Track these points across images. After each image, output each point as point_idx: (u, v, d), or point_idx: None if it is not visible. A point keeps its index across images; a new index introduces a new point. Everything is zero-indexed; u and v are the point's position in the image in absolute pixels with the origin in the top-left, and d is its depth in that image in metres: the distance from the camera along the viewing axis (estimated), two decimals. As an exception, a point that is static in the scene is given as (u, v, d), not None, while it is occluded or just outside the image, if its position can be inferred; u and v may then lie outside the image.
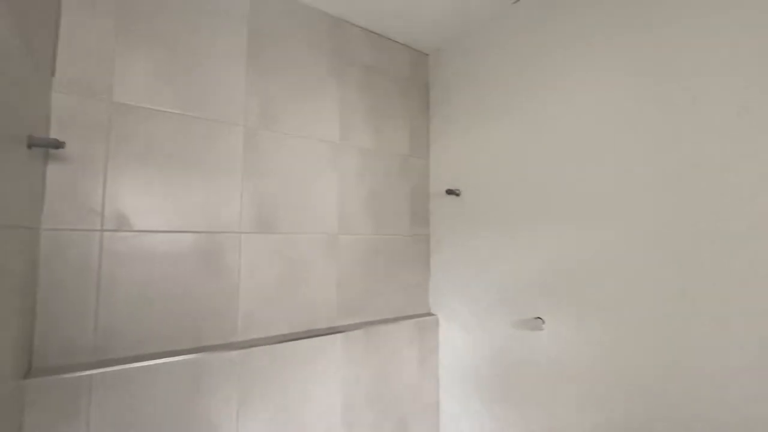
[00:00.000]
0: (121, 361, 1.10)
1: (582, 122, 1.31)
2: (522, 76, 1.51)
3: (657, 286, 1.10)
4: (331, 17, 1.66)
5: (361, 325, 1.63)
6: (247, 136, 1.40)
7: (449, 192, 1.77)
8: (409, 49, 1.94)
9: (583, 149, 1.31)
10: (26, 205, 0.93)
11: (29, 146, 0.88)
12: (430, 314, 1.88)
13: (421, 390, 1.77)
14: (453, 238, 1.80)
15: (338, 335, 1.52)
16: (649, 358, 1.11)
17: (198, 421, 1.19)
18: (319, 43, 1.62)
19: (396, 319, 1.75)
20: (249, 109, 1.41)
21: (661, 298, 1.09)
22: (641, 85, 1.17)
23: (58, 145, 0.95)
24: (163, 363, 1.15)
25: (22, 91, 0.85)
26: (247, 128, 1.40)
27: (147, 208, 1.20)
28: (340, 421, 1.49)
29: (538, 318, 1.39)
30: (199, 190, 1.29)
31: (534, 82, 1.47)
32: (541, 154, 1.43)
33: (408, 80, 1.92)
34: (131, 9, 1.20)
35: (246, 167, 1.39)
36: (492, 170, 1.62)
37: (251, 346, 1.31)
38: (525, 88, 1.50)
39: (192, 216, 1.28)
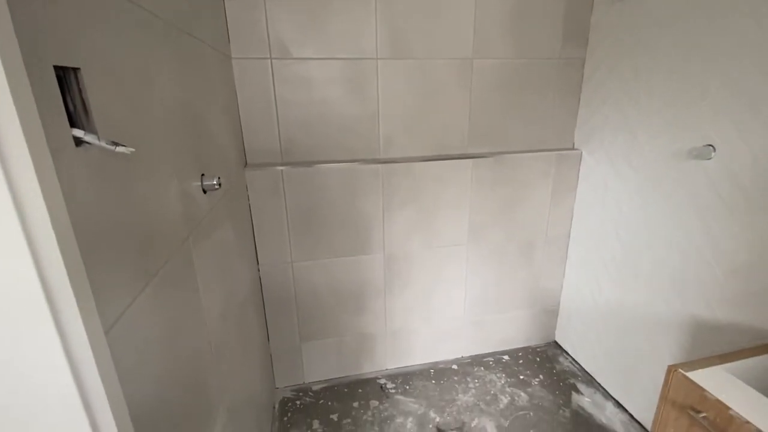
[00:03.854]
0: (301, 164, 1.48)
1: None
2: None
3: None
4: None
5: (492, 153, 1.66)
6: (377, -52, 1.34)
7: (620, -7, 1.40)
8: None
9: None
10: (219, 36, 1.21)
11: (208, -21, 1.08)
12: (573, 149, 1.76)
13: (553, 221, 1.81)
14: (614, 59, 1.49)
15: (469, 160, 1.62)
16: None
17: (357, 211, 1.57)
18: None
19: (532, 151, 1.71)
20: None
21: None
22: None
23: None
24: (328, 167, 1.49)
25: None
26: (378, -61, 1.33)
27: (300, 39, 1.38)
28: (467, 233, 1.72)
29: (708, 145, 1.16)
30: (339, 19, 1.38)
31: None
32: None
33: None
34: None
35: (378, -13, 1.38)
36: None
37: (391, 162, 1.54)
38: None
39: (336, 44, 1.41)
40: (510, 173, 1.69)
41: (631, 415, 1.56)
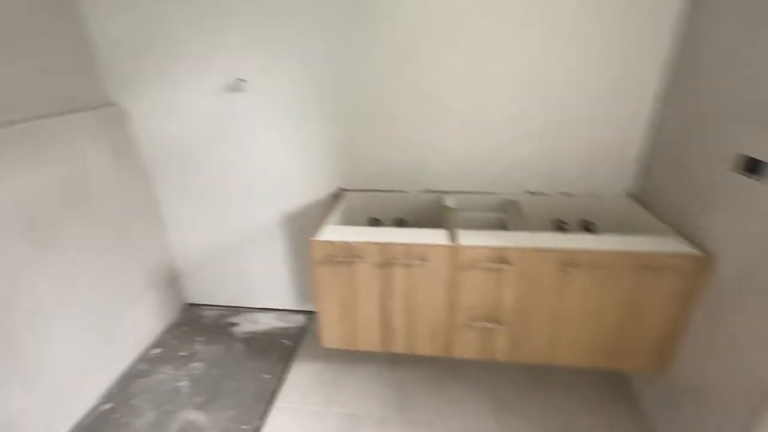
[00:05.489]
0: None
1: None
2: None
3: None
4: None
5: (8, 123, 1.16)
6: None
7: None
8: None
9: None
10: None
11: None
12: (111, 104, 1.55)
13: (130, 189, 1.60)
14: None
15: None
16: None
17: None
18: None
19: (59, 114, 1.33)
20: None
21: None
22: None
23: None
24: None
25: None
26: None
27: None
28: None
29: (241, 80, 1.45)
30: None
31: None
32: None
33: None
34: None
35: None
36: None
37: None
38: None
39: None
40: (50, 144, 1.26)
41: (273, 309, 1.94)
